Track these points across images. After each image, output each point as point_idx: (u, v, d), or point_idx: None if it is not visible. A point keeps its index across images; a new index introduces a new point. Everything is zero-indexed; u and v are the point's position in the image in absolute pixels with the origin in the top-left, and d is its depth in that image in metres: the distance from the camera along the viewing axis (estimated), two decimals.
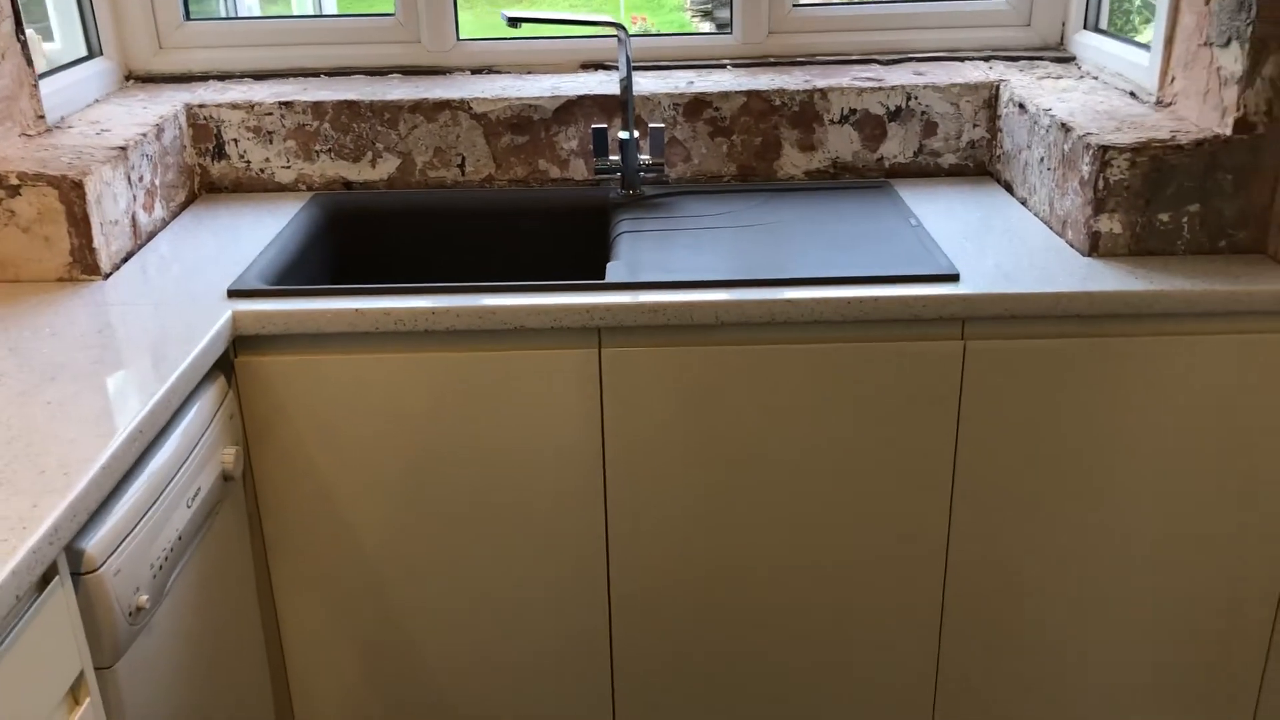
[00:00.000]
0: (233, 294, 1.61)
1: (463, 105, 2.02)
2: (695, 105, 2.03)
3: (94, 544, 1.18)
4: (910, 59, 2.19)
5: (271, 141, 2.04)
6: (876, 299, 1.58)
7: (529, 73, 2.19)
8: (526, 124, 2.04)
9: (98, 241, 1.68)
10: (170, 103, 2.02)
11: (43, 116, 1.83)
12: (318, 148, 2.05)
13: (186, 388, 1.41)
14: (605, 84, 2.08)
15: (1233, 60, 1.62)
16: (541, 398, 1.63)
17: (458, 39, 2.19)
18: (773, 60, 2.21)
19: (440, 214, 2.04)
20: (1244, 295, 1.58)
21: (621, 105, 1.98)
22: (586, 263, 2.04)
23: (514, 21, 1.84)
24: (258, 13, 3.26)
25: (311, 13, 3.80)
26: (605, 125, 2.00)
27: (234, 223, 1.92)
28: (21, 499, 1.12)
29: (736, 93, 2.02)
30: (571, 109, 2.03)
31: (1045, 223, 1.82)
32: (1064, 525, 1.72)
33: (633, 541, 1.71)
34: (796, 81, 2.06)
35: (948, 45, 2.21)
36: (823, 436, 1.65)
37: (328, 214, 2.00)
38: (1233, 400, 1.64)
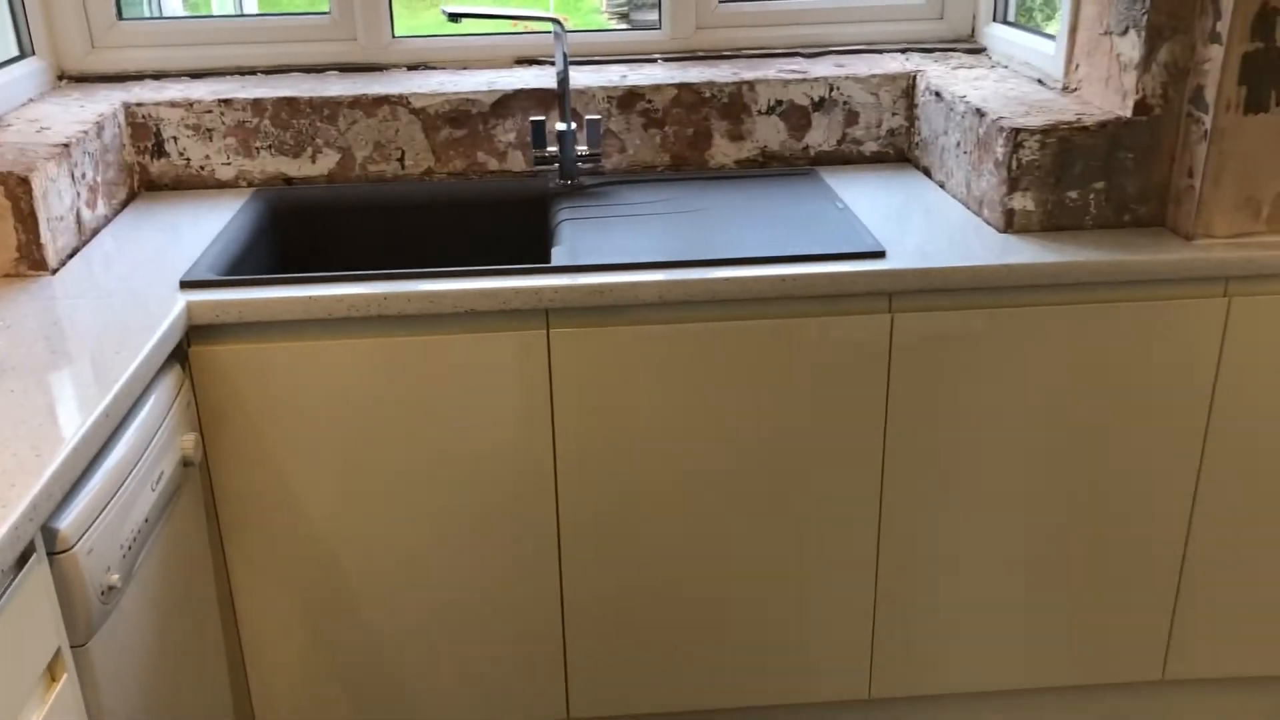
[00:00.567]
0: (185, 285, 1.64)
1: (401, 100, 2.07)
2: (629, 98, 2.10)
3: (68, 524, 1.21)
4: (832, 52, 2.30)
5: (211, 139, 2.06)
6: (811, 275, 1.67)
7: (464, 68, 2.24)
8: (464, 118, 2.09)
9: (45, 237, 1.69)
10: (107, 101, 2.03)
11: None
12: (258, 144, 2.07)
13: (148, 373, 1.44)
14: (540, 78, 2.15)
15: (1130, 47, 1.75)
16: (492, 380, 1.68)
17: (393, 36, 2.24)
18: (701, 54, 2.29)
19: (382, 207, 2.08)
20: (1147, 264, 1.70)
21: (559, 98, 2.04)
22: (529, 251, 2.10)
23: (454, 17, 1.89)
24: (182, 13, 3.25)
25: (233, 12, 3.79)
26: (543, 118, 2.06)
27: (176, 219, 1.94)
28: None
29: (668, 85, 2.10)
30: (508, 103, 2.09)
31: (963, 203, 1.93)
32: (988, 485, 1.82)
33: (582, 512, 1.78)
34: (725, 74, 2.14)
35: (867, 39, 2.32)
36: (764, 406, 1.74)
37: (271, 209, 2.03)
38: (1141, 361, 1.76)
